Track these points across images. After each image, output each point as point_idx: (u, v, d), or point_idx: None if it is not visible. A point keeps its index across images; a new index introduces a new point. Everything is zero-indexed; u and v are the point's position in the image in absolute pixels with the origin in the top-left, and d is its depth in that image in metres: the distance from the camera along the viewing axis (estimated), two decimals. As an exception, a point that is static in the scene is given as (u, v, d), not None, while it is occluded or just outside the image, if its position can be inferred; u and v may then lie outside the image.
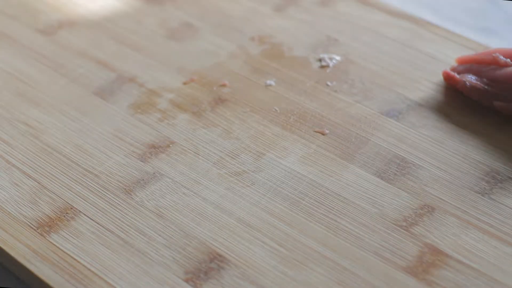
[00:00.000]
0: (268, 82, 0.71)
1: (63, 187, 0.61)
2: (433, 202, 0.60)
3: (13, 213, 0.59)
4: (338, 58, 0.74)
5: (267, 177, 0.62)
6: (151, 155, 0.64)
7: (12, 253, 0.56)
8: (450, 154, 0.64)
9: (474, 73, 0.69)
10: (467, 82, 0.68)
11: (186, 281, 0.54)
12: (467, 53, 0.74)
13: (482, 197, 0.60)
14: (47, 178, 0.62)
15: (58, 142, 0.65)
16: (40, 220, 0.58)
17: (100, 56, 0.75)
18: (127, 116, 0.68)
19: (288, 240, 0.57)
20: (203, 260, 0.55)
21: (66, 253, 0.56)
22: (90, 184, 0.61)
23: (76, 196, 0.60)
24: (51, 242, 0.56)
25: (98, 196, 0.60)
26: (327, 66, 0.73)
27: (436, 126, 0.67)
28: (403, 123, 0.67)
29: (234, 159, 0.63)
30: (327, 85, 0.71)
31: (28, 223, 0.58)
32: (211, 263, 0.55)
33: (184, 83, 0.71)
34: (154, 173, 0.62)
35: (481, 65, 0.69)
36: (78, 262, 0.55)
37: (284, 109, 0.68)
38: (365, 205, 0.59)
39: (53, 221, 0.58)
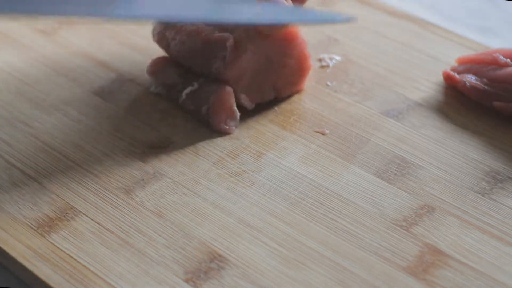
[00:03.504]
0: (268, 82, 0.71)
1: (63, 187, 0.61)
2: (433, 202, 0.60)
3: (13, 213, 0.59)
4: (338, 58, 0.74)
5: (267, 177, 0.62)
6: (151, 155, 0.64)
7: (12, 253, 0.56)
8: (450, 154, 0.64)
9: (474, 73, 0.69)
10: (467, 82, 0.68)
11: (186, 281, 0.54)
12: (467, 53, 0.74)
13: (482, 197, 0.60)
14: (47, 178, 0.62)
15: (58, 142, 0.65)
16: (40, 220, 0.58)
17: (100, 56, 0.75)
18: (127, 116, 0.68)
19: (288, 240, 0.57)
20: (203, 260, 0.55)
21: (66, 253, 0.56)
22: (90, 184, 0.61)
23: (76, 196, 0.60)
24: (51, 242, 0.56)
25: (98, 196, 0.60)
26: (327, 66, 0.73)
27: (436, 126, 0.67)
28: (403, 123, 0.67)
29: (234, 159, 0.63)
30: (327, 85, 0.71)
31: (28, 223, 0.58)
32: (211, 263, 0.55)
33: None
34: (154, 173, 0.62)
35: (481, 65, 0.69)
36: (78, 262, 0.55)
37: (284, 109, 0.68)
38: (365, 205, 0.59)
39: (53, 221, 0.58)
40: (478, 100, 0.68)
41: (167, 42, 0.68)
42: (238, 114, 0.66)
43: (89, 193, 0.60)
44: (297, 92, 0.70)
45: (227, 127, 0.65)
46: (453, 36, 0.77)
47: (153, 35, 0.69)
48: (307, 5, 0.68)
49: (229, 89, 0.65)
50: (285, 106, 0.69)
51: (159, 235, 0.57)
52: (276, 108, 0.68)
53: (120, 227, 0.58)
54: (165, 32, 0.68)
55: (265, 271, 0.55)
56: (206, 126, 0.66)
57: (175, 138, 0.65)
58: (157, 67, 0.69)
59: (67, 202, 0.60)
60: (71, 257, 0.55)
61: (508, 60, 0.68)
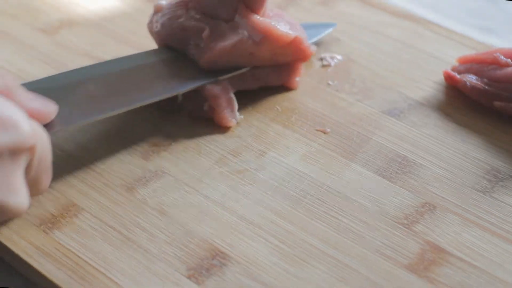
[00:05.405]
0: (270, 81, 0.71)
1: (66, 185, 0.61)
2: (434, 200, 0.60)
3: (15, 210, 0.59)
4: (339, 57, 0.75)
5: (269, 176, 0.62)
6: (153, 153, 0.64)
7: (16, 250, 0.56)
8: (451, 153, 0.64)
9: (475, 73, 0.69)
10: (467, 82, 0.69)
11: (189, 277, 0.54)
12: (468, 52, 0.74)
13: (483, 195, 0.60)
14: (49, 175, 0.62)
15: (60, 140, 0.65)
16: (43, 217, 0.58)
17: (100, 56, 0.75)
18: (129, 114, 0.67)
19: (289, 238, 0.57)
20: (205, 257, 0.55)
21: (69, 250, 0.56)
22: (92, 181, 0.61)
23: (79, 193, 0.60)
24: (54, 239, 0.56)
25: (101, 193, 0.60)
26: (329, 65, 0.74)
27: (437, 125, 0.67)
28: (404, 122, 0.67)
29: (236, 157, 0.64)
30: (329, 84, 0.71)
31: (31, 220, 0.58)
32: (213, 260, 0.55)
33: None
34: (156, 171, 0.62)
35: (482, 65, 0.69)
36: (81, 258, 0.55)
37: (286, 108, 0.69)
38: (366, 203, 0.60)
39: (56, 218, 0.58)
40: (479, 100, 0.69)
41: (152, 25, 0.68)
42: (236, 104, 0.66)
43: (92, 190, 0.60)
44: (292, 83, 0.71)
45: (231, 119, 0.66)
46: (454, 36, 0.78)
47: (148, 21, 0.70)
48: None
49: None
50: (286, 105, 0.69)
51: (161, 232, 0.57)
52: (277, 107, 0.69)
53: (123, 224, 0.58)
54: (154, 16, 0.68)
55: (267, 268, 0.55)
56: (208, 124, 0.66)
57: (177, 136, 0.65)
58: None
59: (70, 200, 0.60)
60: (74, 253, 0.55)
61: (509, 60, 0.68)
